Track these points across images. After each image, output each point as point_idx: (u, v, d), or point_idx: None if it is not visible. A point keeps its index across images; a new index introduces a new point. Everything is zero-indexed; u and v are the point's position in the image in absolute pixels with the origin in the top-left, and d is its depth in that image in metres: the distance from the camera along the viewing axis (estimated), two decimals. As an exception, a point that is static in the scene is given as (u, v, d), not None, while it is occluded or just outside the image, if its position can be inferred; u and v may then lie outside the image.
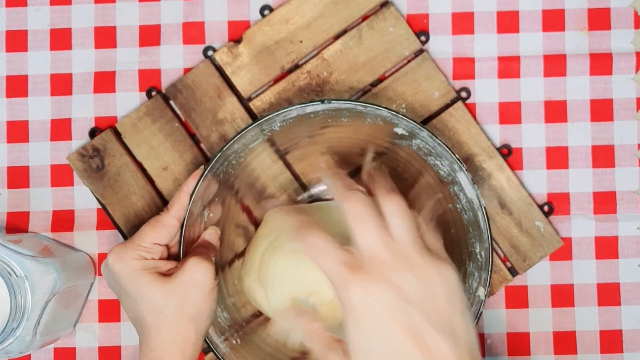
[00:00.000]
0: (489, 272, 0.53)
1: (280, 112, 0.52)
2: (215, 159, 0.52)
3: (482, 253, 0.53)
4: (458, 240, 0.55)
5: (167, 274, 0.51)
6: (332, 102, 0.52)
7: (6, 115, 0.62)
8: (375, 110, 0.52)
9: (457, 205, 0.54)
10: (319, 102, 0.52)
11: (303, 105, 0.52)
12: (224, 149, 0.52)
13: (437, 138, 0.51)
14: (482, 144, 0.60)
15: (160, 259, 0.52)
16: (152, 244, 0.52)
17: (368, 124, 0.54)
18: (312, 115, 0.53)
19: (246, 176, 0.57)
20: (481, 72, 0.61)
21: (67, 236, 0.60)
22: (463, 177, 0.52)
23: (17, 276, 0.52)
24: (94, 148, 0.60)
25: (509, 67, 0.61)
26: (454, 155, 0.51)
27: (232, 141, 0.52)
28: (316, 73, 0.60)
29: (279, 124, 0.54)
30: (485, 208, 0.52)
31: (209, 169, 0.52)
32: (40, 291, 0.52)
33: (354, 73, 0.60)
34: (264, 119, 0.52)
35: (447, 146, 0.51)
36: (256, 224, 0.59)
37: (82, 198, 0.61)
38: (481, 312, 0.53)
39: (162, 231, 0.52)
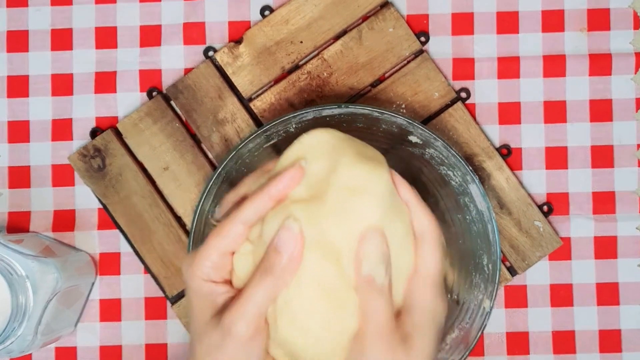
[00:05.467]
0: (496, 285, 0.52)
1: (297, 113, 0.51)
2: (229, 157, 0.52)
3: (490, 265, 0.53)
4: (466, 252, 0.55)
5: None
6: (350, 107, 0.52)
7: (7, 115, 0.62)
8: (391, 118, 0.51)
9: (467, 217, 0.54)
10: (336, 107, 0.52)
11: (320, 108, 0.52)
12: (239, 147, 0.52)
13: (452, 149, 0.51)
14: (482, 144, 0.60)
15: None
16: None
17: (382, 130, 0.54)
18: (327, 119, 0.53)
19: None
20: (481, 72, 0.61)
21: (68, 236, 0.61)
22: (475, 189, 0.52)
23: (18, 276, 0.52)
24: (95, 148, 0.60)
25: (508, 67, 0.61)
26: (468, 167, 0.51)
27: (248, 140, 0.51)
28: (316, 73, 0.60)
29: (294, 126, 0.53)
30: (495, 221, 0.52)
31: (222, 166, 0.52)
32: (41, 291, 0.52)
33: (354, 73, 0.60)
34: (281, 119, 0.51)
35: (461, 157, 0.51)
36: None
37: (83, 198, 0.61)
38: (485, 325, 0.52)
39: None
